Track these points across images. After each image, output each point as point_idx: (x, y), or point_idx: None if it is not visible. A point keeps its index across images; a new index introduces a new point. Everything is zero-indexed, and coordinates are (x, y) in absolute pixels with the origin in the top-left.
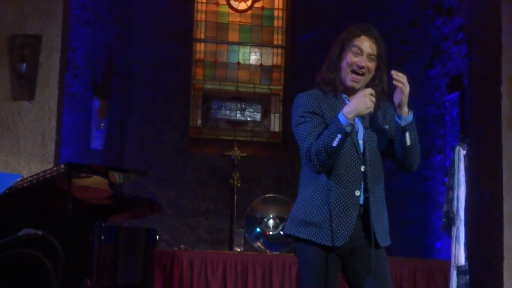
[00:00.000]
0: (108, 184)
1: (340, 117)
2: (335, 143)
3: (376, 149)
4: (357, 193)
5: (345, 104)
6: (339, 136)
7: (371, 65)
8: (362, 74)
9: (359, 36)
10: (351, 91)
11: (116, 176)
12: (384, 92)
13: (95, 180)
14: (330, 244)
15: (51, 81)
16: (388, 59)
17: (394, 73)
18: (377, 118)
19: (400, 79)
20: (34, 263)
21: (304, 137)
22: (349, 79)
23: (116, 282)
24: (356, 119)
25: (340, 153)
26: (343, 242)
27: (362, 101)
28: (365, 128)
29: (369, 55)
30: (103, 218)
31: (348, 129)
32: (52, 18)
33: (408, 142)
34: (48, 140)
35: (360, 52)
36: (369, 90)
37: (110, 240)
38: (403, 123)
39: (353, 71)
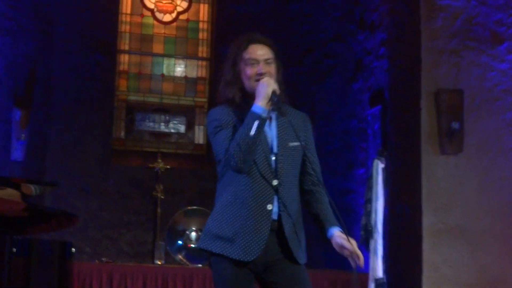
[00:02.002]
0: (21, 196)
1: (253, 107)
2: (253, 132)
3: (290, 164)
4: (269, 207)
5: None
6: (256, 123)
7: (271, 68)
8: None
9: (247, 47)
10: None
11: (31, 188)
12: (284, 93)
13: (7, 192)
14: (242, 259)
15: None
16: (281, 62)
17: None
18: (289, 133)
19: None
20: None
21: (221, 142)
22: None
23: None
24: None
25: (254, 155)
26: (255, 256)
27: (263, 86)
28: (281, 114)
29: (265, 61)
30: (19, 230)
31: (264, 114)
32: None
33: None
34: None
35: (255, 61)
36: (265, 78)
37: (23, 253)
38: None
39: (257, 80)
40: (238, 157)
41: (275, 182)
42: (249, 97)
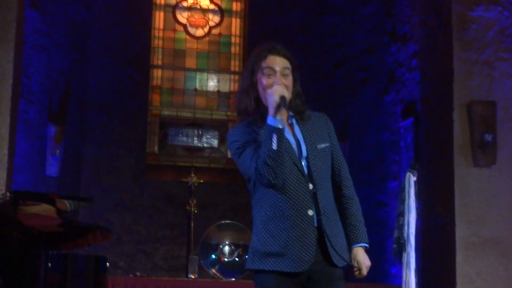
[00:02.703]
0: (57, 211)
1: (268, 120)
2: (274, 146)
3: (322, 167)
4: (310, 212)
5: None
6: (275, 136)
7: (288, 80)
8: None
9: (266, 57)
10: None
11: (66, 204)
12: (304, 103)
13: (43, 208)
14: (296, 270)
15: (3, 108)
16: (300, 72)
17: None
18: (314, 135)
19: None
20: None
21: (249, 160)
22: None
23: None
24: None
25: (285, 167)
26: (308, 265)
27: (270, 95)
28: (301, 120)
29: (282, 70)
30: (55, 245)
31: (279, 125)
32: (4, 44)
33: None
34: (0, 168)
35: (272, 71)
36: (275, 87)
37: (58, 268)
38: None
39: None
40: (269, 174)
41: (310, 187)
42: (264, 107)
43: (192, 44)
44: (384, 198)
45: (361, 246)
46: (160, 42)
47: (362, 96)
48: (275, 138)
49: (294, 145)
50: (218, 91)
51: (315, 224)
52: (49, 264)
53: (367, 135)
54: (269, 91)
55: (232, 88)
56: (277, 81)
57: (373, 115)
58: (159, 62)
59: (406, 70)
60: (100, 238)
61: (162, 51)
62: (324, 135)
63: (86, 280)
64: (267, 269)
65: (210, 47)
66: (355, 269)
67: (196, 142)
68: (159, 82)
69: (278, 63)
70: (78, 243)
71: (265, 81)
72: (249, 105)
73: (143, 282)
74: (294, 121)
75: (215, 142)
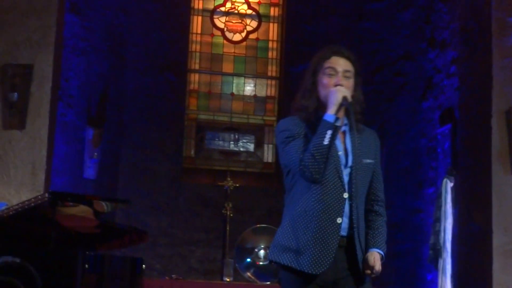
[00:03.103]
0: (93, 213)
1: (325, 116)
2: (326, 141)
3: (362, 180)
4: (339, 220)
5: None
6: (329, 132)
7: (348, 83)
8: None
9: (329, 57)
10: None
11: (103, 205)
12: (362, 112)
13: (81, 209)
14: (310, 271)
15: (42, 111)
16: (362, 78)
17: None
18: (363, 149)
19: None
20: None
21: (293, 153)
22: None
23: None
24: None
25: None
26: (323, 269)
27: (333, 93)
28: (356, 130)
29: (344, 72)
30: (92, 246)
31: (335, 122)
32: (44, 47)
33: None
34: (39, 169)
35: (334, 71)
36: (336, 87)
37: (95, 269)
38: None
39: None
40: (313, 167)
41: (345, 195)
42: (323, 107)
43: (229, 49)
44: (421, 205)
45: (377, 252)
46: (198, 47)
47: (399, 102)
48: (328, 134)
49: (341, 153)
50: (255, 96)
51: (342, 233)
52: (86, 266)
53: (404, 141)
54: (332, 89)
55: (269, 93)
56: (338, 81)
57: (410, 121)
58: (197, 67)
59: (444, 77)
60: (136, 240)
61: (200, 56)
62: (371, 151)
63: (122, 281)
64: (282, 263)
65: (248, 51)
66: (366, 268)
67: (232, 146)
68: (196, 86)
69: (341, 64)
70: (114, 245)
71: (326, 80)
72: (310, 104)
73: (180, 285)
74: (347, 129)
75: (251, 147)
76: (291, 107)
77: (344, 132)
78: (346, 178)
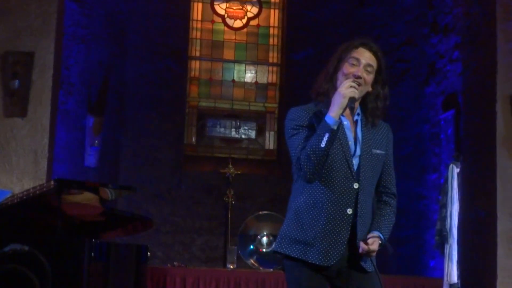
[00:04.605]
0: (99, 200)
1: (326, 117)
2: (323, 144)
3: (371, 171)
4: (349, 211)
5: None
6: (327, 135)
7: (368, 77)
8: (358, 84)
9: (357, 47)
10: None
11: (108, 193)
12: (383, 109)
13: (86, 197)
14: (321, 264)
15: (43, 98)
16: (387, 77)
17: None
18: (374, 139)
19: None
20: (20, 278)
21: (295, 147)
22: None
23: None
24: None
25: (329, 162)
26: (334, 261)
27: (339, 95)
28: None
29: (366, 66)
30: (96, 234)
31: (335, 126)
32: (45, 35)
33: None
34: (41, 157)
35: (357, 62)
36: (347, 83)
37: (101, 257)
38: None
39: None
40: (308, 168)
41: (356, 186)
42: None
43: (230, 36)
44: (423, 191)
45: (378, 234)
46: (198, 34)
47: (402, 88)
48: (326, 137)
49: (351, 142)
50: (256, 83)
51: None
52: (92, 254)
53: (407, 127)
54: (338, 90)
55: (270, 80)
56: (357, 72)
57: (413, 107)
58: (197, 54)
59: (447, 62)
60: (140, 228)
61: (200, 43)
62: (383, 143)
63: (128, 269)
64: (292, 255)
65: (248, 38)
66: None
67: (233, 133)
68: (197, 73)
69: (366, 57)
70: (117, 233)
71: (346, 68)
72: (330, 90)
73: (183, 272)
74: (359, 119)
75: (252, 133)
76: (311, 89)
77: (356, 122)
78: (355, 168)
